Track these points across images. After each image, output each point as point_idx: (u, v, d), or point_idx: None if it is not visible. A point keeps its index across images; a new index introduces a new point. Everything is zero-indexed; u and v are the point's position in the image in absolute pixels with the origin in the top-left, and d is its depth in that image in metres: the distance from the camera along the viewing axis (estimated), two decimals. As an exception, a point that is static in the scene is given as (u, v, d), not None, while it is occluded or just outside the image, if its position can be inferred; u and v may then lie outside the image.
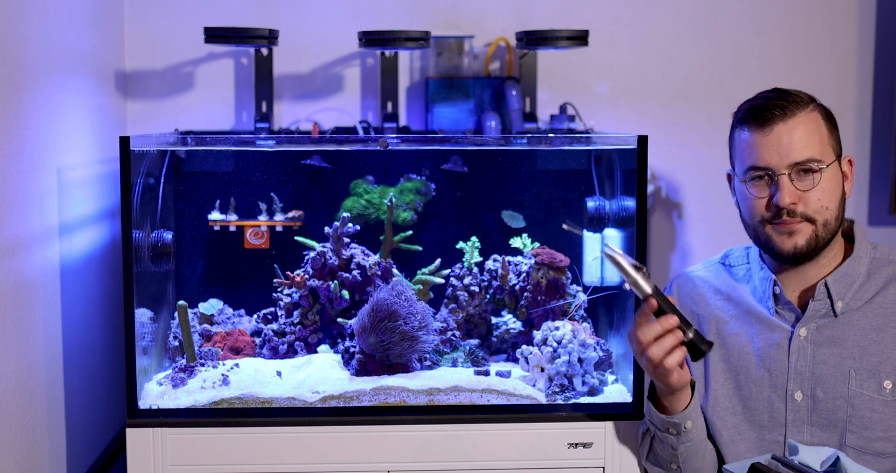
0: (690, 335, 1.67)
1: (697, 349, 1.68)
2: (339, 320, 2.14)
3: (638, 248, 1.93)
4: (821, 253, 1.80)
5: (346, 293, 2.14)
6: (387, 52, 2.41)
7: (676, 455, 1.80)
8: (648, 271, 1.68)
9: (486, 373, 2.04)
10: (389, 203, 2.19)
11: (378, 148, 1.97)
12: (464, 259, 2.20)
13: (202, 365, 2.04)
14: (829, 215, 1.77)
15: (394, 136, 2.24)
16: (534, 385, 2.00)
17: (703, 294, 1.94)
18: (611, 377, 2.06)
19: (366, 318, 2.00)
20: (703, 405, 1.87)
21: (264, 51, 2.38)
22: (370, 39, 2.26)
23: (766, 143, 1.76)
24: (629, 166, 1.97)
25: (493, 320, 2.23)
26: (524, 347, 2.06)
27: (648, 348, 1.68)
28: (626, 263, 1.67)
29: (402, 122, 2.50)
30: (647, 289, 1.66)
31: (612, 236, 2.15)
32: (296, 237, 2.21)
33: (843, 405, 1.77)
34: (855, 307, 1.80)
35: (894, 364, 1.76)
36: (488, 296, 2.19)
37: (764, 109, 1.77)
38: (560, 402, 1.96)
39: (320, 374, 2.03)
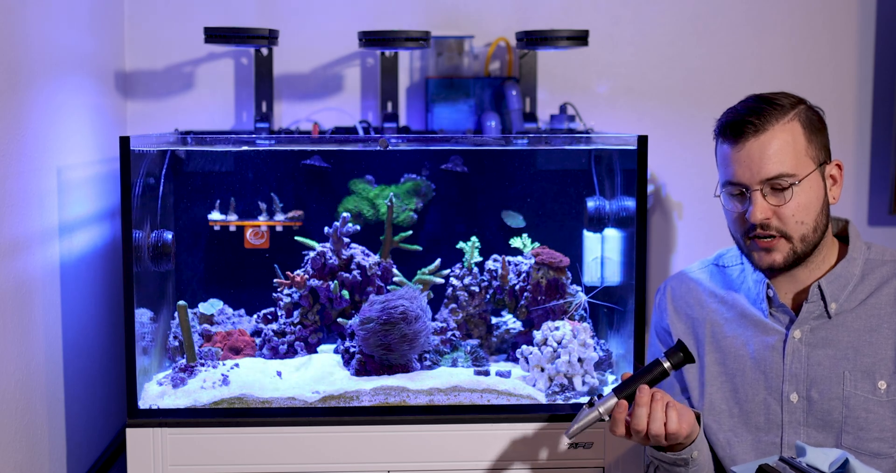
0: (668, 364, 1.71)
1: (688, 358, 1.72)
2: (340, 320, 2.14)
3: (638, 248, 1.93)
4: (806, 260, 1.80)
5: (346, 293, 2.14)
6: (387, 53, 2.41)
7: None
8: (600, 396, 1.72)
9: (486, 373, 2.03)
10: (389, 203, 2.19)
11: (378, 148, 1.97)
12: (464, 259, 2.20)
13: (202, 365, 2.04)
14: (805, 229, 1.75)
15: (394, 136, 2.24)
16: (534, 385, 2.00)
17: (699, 297, 1.94)
18: (611, 377, 2.06)
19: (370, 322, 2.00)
20: (698, 407, 1.87)
21: (264, 51, 2.38)
22: (370, 39, 2.26)
23: (739, 158, 1.75)
24: (629, 166, 1.97)
25: (493, 320, 2.23)
26: (524, 347, 2.05)
27: (649, 429, 1.67)
28: (587, 419, 1.70)
29: (402, 122, 2.50)
30: (614, 401, 1.69)
31: (612, 235, 2.15)
32: (296, 237, 2.20)
33: (838, 406, 1.77)
34: (849, 309, 1.80)
35: (888, 365, 1.76)
36: (488, 296, 2.19)
37: (738, 124, 1.75)
38: (560, 402, 1.96)
39: (320, 374, 2.03)
